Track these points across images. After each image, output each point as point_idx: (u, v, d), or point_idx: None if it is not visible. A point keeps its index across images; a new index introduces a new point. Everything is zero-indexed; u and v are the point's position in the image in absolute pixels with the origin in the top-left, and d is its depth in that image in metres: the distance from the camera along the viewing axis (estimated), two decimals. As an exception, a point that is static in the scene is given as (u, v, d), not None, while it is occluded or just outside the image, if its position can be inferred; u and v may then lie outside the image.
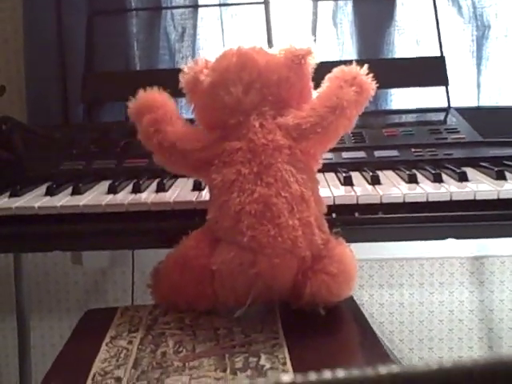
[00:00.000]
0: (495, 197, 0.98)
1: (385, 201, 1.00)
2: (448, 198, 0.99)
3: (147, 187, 1.13)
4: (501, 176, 1.05)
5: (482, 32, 1.57)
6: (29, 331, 1.70)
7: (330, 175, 1.15)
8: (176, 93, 1.54)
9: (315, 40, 1.52)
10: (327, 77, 0.98)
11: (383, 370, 0.34)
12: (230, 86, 0.93)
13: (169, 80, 1.51)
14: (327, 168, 1.12)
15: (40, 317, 1.82)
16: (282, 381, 0.34)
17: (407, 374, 0.34)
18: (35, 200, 1.07)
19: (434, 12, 1.50)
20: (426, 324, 1.81)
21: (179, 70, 1.57)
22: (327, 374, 0.34)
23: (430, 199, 0.99)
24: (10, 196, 1.10)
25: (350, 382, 0.34)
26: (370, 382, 0.34)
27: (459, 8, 1.57)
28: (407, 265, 1.78)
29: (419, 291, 1.79)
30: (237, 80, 0.93)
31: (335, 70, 0.98)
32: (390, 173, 1.15)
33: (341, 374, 0.34)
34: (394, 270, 1.78)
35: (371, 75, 0.97)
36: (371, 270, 1.76)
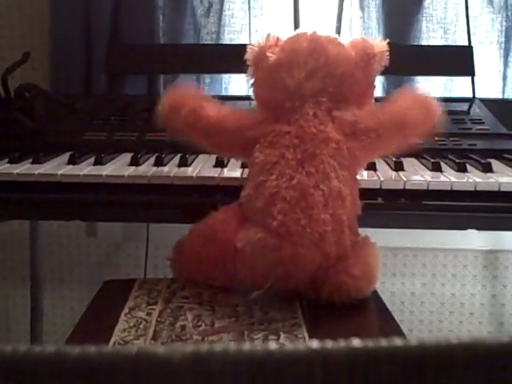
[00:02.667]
0: (518, 189, 0.98)
1: (408, 187, 0.99)
2: (472, 188, 0.99)
3: (169, 161, 1.13)
4: (525, 169, 1.05)
5: (511, 23, 1.55)
6: (42, 301, 1.72)
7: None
8: (200, 68, 1.56)
9: (341, 23, 1.54)
10: (399, 95, 0.98)
11: (398, 341, 0.34)
12: (293, 69, 0.93)
13: (193, 55, 1.54)
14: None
15: (52, 287, 1.83)
16: (313, 346, 0.34)
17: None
18: (58, 168, 1.07)
19: (463, 1, 1.49)
20: (436, 315, 1.80)
21: (204, 46, 1.60)
22: (356, 342, 0.34)
23: (454, 188, 0.98)
24: (33, 162, 1.10)
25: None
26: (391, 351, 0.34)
27: (490, -3, 1.56)
28: (421, 254, 1.77)
29: (431, 282, 1.79)
30: (302, 64, 0.93)
31: (410, 92, 0.99)
32: (413, 160, 1.15)
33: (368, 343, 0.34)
34: (407, 259, 1.78)
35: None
36: (384, 258, 1.76)
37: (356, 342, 0.32)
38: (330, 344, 0.31)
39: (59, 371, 0.31)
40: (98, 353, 0.31)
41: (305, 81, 0.93)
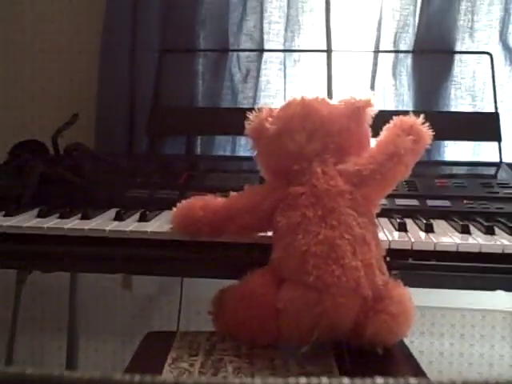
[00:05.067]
0: (544, 252, 1.01)
1: (438, 249, 1.03)
2: (500, 251, 1.02)
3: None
4: (551, 233, 1.08)
5: (536, 91, 1.61)
6: (77, 353, 1.76)
7: (384, 220, 1.19)
8: (236, 131, 1.64)
9: (374, 90, 1.61)
10: (386, 126, 1.04)
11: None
12: (294, 134, 1.00)
13: (230, 118, 1.61)
14: (381, 214, 1.16)
15: (86, 339, 1.88)
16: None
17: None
18: (105, 224, 1.13)
19: (490, 69, 1.55)
20: (464, 375, 1.81)
21: (241, 110, 1.68)
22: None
23: (483, 250, 1.02)
24: (82, 218, 1.16)
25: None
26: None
27: (515, 67, 1.62)
28: (449, 314, 1.79)
29: (460, 342, 1.80)
30: (300, 128, 1.00)
31: (393, 120, 1.04)
32: (442, 222, 1.19)
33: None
34: (435, 319, 1.80)
35: (427, 125, 1.02)
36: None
37: (379, 381, 0.36)
38: (358, 381, 0.35)
39: None
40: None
41: (307, 143, 1.00)
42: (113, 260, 1.11)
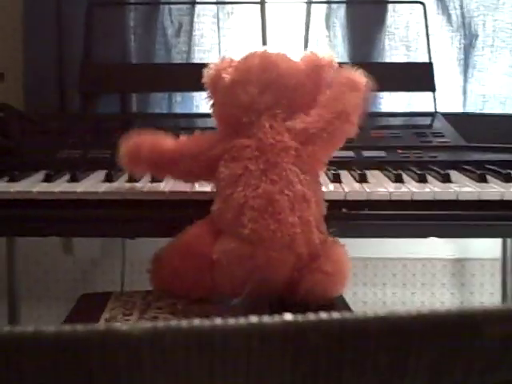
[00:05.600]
0: (476, 198, 1.03)
1: (371, 198, 1.04)
2: (432, 198, 1.04)
3: (142, 177, 1.16)
4: (483, 179, 1.10)
5: (469, 41, 1.62)
6: (19, 319, 1.73)
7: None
8: (171, 87, 1.61)
9: (308, 42, 1.59)
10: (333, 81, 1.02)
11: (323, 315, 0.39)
12: (247, 86, 0.99)
13: (164, 74, 1.58)
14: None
15: (29, 305, 1.84)
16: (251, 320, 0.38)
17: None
18: (34, 185, 1.09)
19: (423, 19, 1.55)
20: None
21: (175, 65, 1.64)
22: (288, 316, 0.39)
23: (415, 198, 1.03)
24: (9, 181, 1.12)
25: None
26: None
27: (448, 16, 1.62)
28: (391, 264, 1.83)
29: (402, 291, 1.84)
30: (255, 80, 0.99)
31: (339, 75, 1.02)
32: (377, 172, 1.20)
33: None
34: (377, 269, 1.83)
35: (373, 80, 1.01)
36: (355, 269, 1.81)
37: (288, 316, 0.37)
38: (266, 318, 0.36)
39: (36, 349, 0.35)
40: (71, 330, 0.35)
41: (258, 96, 0.98)
42: (44, 223, 1.08)
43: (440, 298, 1.84)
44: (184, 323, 0.36)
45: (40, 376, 0.37)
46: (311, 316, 0.38)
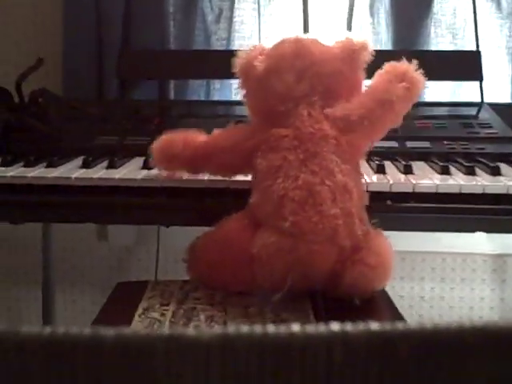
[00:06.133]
0: (526, 192, 0.99)
1: (416, 190, 1.00)
2: (480, 191, 1.00)
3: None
4: (532, 172, 1.05)
5: (518, 28, 1.56)
6: (53, 303, 1.73)
7: (363, 163, 1.15)
8: (210, 74, 1.58)
9: (351, 29, 1.55)
10: (377, 72, 0.99)
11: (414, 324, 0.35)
12: (282, 74, 0.95)
13: (203, 61, 1.56)
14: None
15: (63, 290, 1.85)
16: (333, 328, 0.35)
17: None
18: (72, 171, 1.09)
19: (472, 6, 1.50)
20: (445, 319, 1.81)
21: (215, 52, 1.62)
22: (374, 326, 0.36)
23: (463, 191, 0.99)
24: (47, 166, 1.12)
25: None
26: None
27: (497, 3, 1.57)
28: (429, 258, 1.78)
29: (440, 286, 1.80)
30: (290, 68, 0.95)
31: (386, 65, 0.98)
32: (422, 164, 1.16)
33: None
34: (415, 263, 1.79)
35: (420, 70, 0.98)
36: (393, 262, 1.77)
37: (374, 326, 0.33)
38: (349, 327, 0.33)
39: (97, 352, 0.33)
40: (133, 334, 0.32)
41: (294, 83, 0.95)
42: (81, 209, 1.07)
43: (480, 294, 1.79)
44: (258, 329, 0.33)
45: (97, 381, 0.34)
46: (400, 325, 0.34)
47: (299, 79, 0.95)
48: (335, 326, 0.34)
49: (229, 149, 0.99)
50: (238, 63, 1.00)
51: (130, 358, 0.33)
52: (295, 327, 0.33)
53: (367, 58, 0.97)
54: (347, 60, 0.97)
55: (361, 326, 0.34)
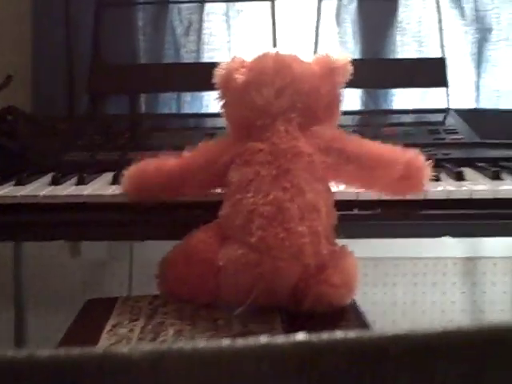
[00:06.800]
0: (491, 196, 1.00)
1: (383, 198, 1.01)
2: (445, 197, 1.01)
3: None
4: (497, 176, 1.07)
5: (483, 35, 1.59)
6: (26, 321, 1.72)
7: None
8: (181, 87, 1.59)
9: (319, 38, 1.57)
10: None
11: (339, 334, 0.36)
12: (262, 88, 0.96)
13: (173, 73, 1.57)
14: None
15: (36, 308, 1.83)
16: (261, 341, 0.36)
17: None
18: (40, 189, 1.08)
19: (436, 13, 1.52)
20: (418, 323, 1.82)
21: (185, 65, 1.63)
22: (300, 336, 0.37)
23: (428, 197, 1.01)
24: (16, 184, 1.11)
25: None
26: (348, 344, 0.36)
27: (461, 10, 1.59)
28: (401, 264, 1.80)
29: (412, 291, 1.81)
30: (270, 83, 0.96)
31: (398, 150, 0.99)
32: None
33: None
34: (387, 269, 1.80)
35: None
36: (365, 269, 1.78)
37: (301, 336, 0.34)
38: (278, 339, 0.34)
39: (31, 373, 0.33)
40: (66, 354, 0.33)
41: (274, 99, 0.96)
42: (51, 227, 1.07)
43: (451, 298, 1.81)
44: (188, 346, 0.33)
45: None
46: (325, 336, 0.35)
47: (278, 95, 0.96)
48: (263, 339, 0.34)
49: (205, 166, 1.00)
50: (217, 74, 1.01)
51: (64, 377, 0.33)
52: (224, 342, 0.34)
53: (346, 76, 0.99)
54: (326, 78, 0.98)
55: (288, 338, 0.35)
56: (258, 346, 0.34)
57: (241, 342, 0.34)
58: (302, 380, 0.34)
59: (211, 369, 0.33)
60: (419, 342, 0.35)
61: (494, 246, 1.72)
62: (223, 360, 0.34)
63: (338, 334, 0.35)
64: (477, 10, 1.58)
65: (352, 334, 0.35)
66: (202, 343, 0.34)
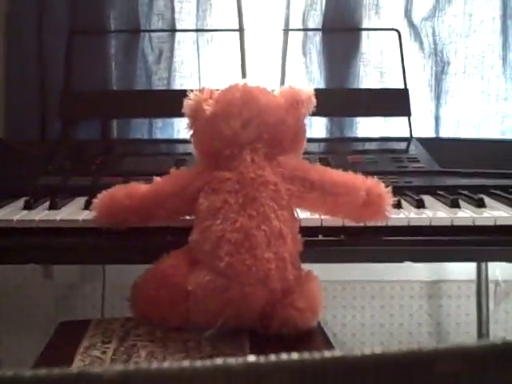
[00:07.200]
0: (449, 223, 1.05)
1: (347, 224, 1.06)
2: (406, 224, 1.06)
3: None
4: (455, 204, 1.12)
5: (441, 67, 1.67)
6: (-2, 344, 1.72)
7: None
8: (152, 113, 1.62)
9: (285, 68, 1.63)
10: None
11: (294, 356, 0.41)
12: (230, 119, 1.00)
13: (145, 100, 1.60)
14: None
15: (8, 330, 1.83)
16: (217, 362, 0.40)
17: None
18: (13, 213, 1.10)
19: (398, 46, 1.59)
20: (386, 345, 1.87)
21: (156, 91, 1.66)
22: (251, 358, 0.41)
23: (390, 224, 1.05)
24: (-12, 209, 1.13)
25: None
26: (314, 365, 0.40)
27: (421, 44, 1.67)
28: (369, 287, 1.84)
29: (380, 313, 1.86)
30: (237, 115, 1.00)
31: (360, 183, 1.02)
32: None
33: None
34: (356, 292, 1.85)
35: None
36: (335, 292, 1.82)
37: (251, 358, 0.38)
38: (230, 360, 0.38)
39: None
40: (47, 373, 0.36)
41: (241, 130, 1.00)
42: (24, 251, 1.09)
43: (418, 320, 1.86)
44: (154, 365, 0.37)
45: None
46: (272, 357, 0.39)
47: (245, 126, 1.00)
48: (219, 361, 0.38)
49: (176, 193, 1.02)
50: (186, 104, 1.04)
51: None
52: (185, 363, 0.38)
53: (310, 108, 1.04)
54: (291, 110, 1.02)
55: (240, 360, 0.38)
56: (213, 366, 0.38)
57: (199, 363, 0.38)
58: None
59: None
60: (352, 363, 0.38)
61: (458, 269, 1.78)
62: (183, 378, 0.37)
63: (283, 356, 0.39)
64: (435, 44, 1.66)
65: (295, 355, 0.39)
66: (167, 364, 0.37)
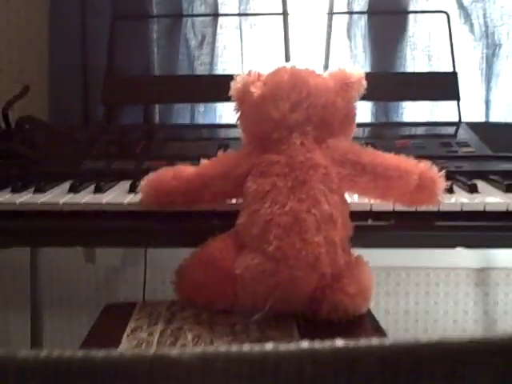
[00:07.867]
0: (504, 209, 1.02)
1: (397, 209, 1.03)
2: (459, 209, 1.03)
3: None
4: (510, 189, 1.09)
5: (492, 50, 1.61)
6: (42, 326, 1.74)
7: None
8: (194, 98, 1.61)
9: (329, 52, 1.60)
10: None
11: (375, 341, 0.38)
12: (278, 102, 0.98)
13: (187, 85, 1.59)
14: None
15: (51, 313, 1.86)
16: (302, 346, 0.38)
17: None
18: (59, 196, 1.10)
19: (447, 28, 1.54)
20: (430, 332, 1.84)
21: (198, 77, 1.65)
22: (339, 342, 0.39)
23: (442, 209, 1.02)
24: (35, 192, 1.13)
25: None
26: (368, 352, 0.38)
27: (471, 26, 1.62)
28: (414, 273, 1.81)
29: (424, 300, 1.83)
30: (286, 97, 0.98)
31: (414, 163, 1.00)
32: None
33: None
34: (400, 279, 1.82)
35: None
36: (378, 278, 1.80)
37: (339, 342, 0.36)
38: (317, 344, 0.36)
39: (87, 374, 0.35)
40: (120, 355, 0.35)
41: (289, 112, 0.98)
42: (69, 233, 1.09)
43: (463, 308, 1.83)
44: (234, 348, 0.35)
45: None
46: (362, 342, 0.37)
47: (294, 109, 0.98)
48: (304, 344, 0.36)
49: (222, 176, 1.01)
50: (233, 87, 1.03)
51: (117, 378, 0.35)
52: (268, 346, 0.36)
53: (360, 90, 1.01)
54: (341, 92, 1.00)
55: (327, 344, 0.36)
56: (299, 349, 0.36)
57: (284, 347, 0.36)
58: (340, 381, 0.36)
59: (257, 370, 0.35)
60: (450, 350, 0.36)
61: (507, 257, 1.74)
62: (268, 362, 0.35)
63: (375, 341, 0.37)
64: (486, 26, 1.61)
65: (387, 340, 0.37)
66: (247, 347, 0.36)
